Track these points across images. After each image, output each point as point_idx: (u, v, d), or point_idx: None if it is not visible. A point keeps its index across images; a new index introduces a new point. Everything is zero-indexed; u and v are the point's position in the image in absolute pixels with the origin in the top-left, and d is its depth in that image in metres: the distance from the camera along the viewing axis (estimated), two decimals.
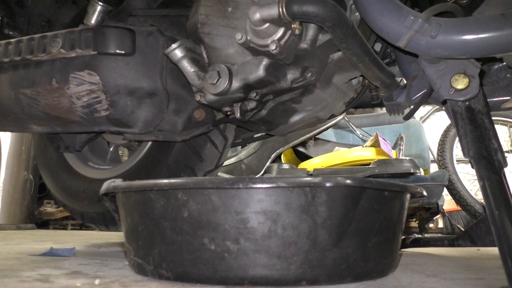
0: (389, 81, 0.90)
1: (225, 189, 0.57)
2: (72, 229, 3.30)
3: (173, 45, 0.83)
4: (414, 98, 0.80)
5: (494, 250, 0.62)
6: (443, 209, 3.01)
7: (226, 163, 2.18)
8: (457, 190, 2.59)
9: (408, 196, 0.71)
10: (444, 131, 2.83)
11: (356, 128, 2.68)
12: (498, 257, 0.59)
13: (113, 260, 0.90)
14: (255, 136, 1.29)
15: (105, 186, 0.70)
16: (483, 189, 0.63)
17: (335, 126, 2.55)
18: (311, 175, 1.87)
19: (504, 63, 0.81)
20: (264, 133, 1.17)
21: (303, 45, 0.79)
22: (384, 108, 1.21)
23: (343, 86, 0.96)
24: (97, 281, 0.62)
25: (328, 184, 0.57)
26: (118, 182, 0.68)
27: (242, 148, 2.26)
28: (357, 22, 0.82)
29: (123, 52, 0.88)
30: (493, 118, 0.70)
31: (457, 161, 2.73)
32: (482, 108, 0.69)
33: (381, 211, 0.63)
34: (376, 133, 2.23)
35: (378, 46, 0.95)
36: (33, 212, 2.91)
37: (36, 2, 1.24)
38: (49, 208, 3.30)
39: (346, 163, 2.10)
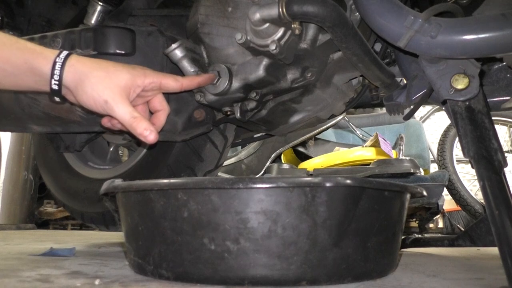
0: (389, 81, 0.89)
1: (225, 189, 0.57)
2: (72, 229, 3.30)
3: (173, 45, 0.83)
4: (414, 98, 0.80)
5: (494, 250, 0.62)
6: (443, 209, 3.02)
7: (226, 163, 2.18)
8: (457, 190, 2.59)
9: (408, 196, 0.71)
10: (444, 131, 2.83)
11: (356, 128, 2.68)
12: (498, 257, 0.59)
13: (113, 260, 0.90)
14: (255, 136, 1.29)
15: (105, 186, 0.70)
16: (483, 189, 0.63)
17: (335, 126, 2.55)
18: (311, 175, 1.87)
19: (504, 63, 0.81)
20: (264, 133, 1.17)
21: (303, 45, 0.79)
22: (384, 108, 1.21)
23: (343, 86, 0.96)
24: (97, 281, 0.62)
25: (328, 184, 0.57)
26: (118, 182, 0.68)
27: (242, 148, 2.26)
28: (357, 22, 0.82)
29: (123, 52, 0.88)
30: (493, 118, 0.70)
31: (457, 161, 2.73)
32: (482, 108, 0.69)
33: (381, 211, 0.63)
34: (376, 133, 2.23)
35: (378, 46, 0.95)
36: (33, 212, 2.91)
37: (36, 2, 1.24)
38: (49, 208, 3.30)
39: (346, 163, 2.10)
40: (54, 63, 0.68)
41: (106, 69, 0.71)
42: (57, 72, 0.67)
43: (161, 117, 0.79)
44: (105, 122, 0.79)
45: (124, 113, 0.70)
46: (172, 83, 0.77)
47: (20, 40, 0.69)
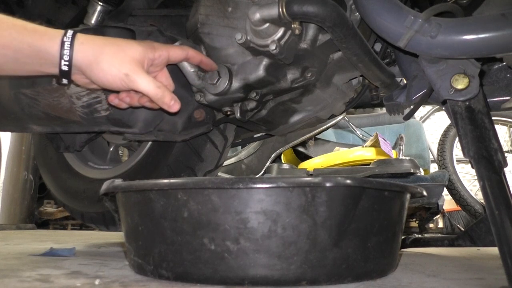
0: (389, 81, 0.89)
1: (225, 189, 0.57)
2: (72, 229, 3.30)
3: None
4: (414, 98, 0.80)
5: (494, 250, 0.62)
6: (443, 209, 3.02)
7: (226, 163, 2.18)
8: (457, 190, 2.59)
9: (408, 196, 0.71)
10: (444, 131, 2.83)
11: (356, 128, 2.68)
12: (498, 257, 0.59)
13: (113, 260, 0.90)
14: (255, 136, 1.29)
15: (105, 186, 0.70)
16: (483, 189, 0.63)
17: (335, 126, 2.55)
18: (311, 175, 1.87)
19: (504, 63, 0.81)
20: (264, 133, 1.17)
21: (303, 45, 0.79)
22: (384, 108, 1.20)
23: (343, 86, 0.96)
24: (97, 281, 0.62)
25: (328, 184, 0.57)
26: (118, 182, 0.68)
27: (242, 148, 2.26)
28: (357, 22, 0.82)
29: None
30: (493, 118, 0.70)
31: (457, 161, 2.73)
32: (482, 108, 0.69)
33: (381, 211, 0.63)
34: (376, 133, 2.23)
35: (378, 46, 0.95)
36: (33, 212, 2.91)
37: (36, 2, 1.24)
38: (49, 208, 3.30)
39: (346, 163, 2.10)
40: (62, 43, 0.65)
41: (117, 43, 0.69)
42: (66, 52, 0.65)
43: None
44: (112, 99, 0.77)
45: (148, 84, 0.69)
46: (179, 51, 0.78)
47: (16, 21, 0.65)
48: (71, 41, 0.66)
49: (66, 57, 0.66)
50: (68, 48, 0.65)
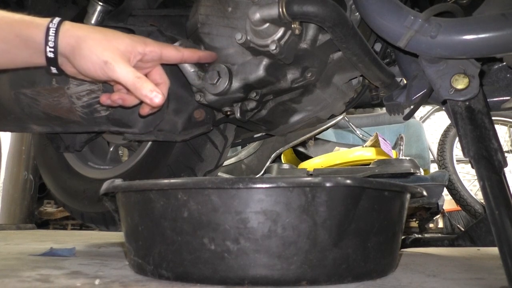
0: (389, 81, 0.89)
1: (225, 189, 0.57)
2: (72, 229, 3.30)
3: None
4: (414, 98, 0.80)
5: (494, 250, 0.62)
6: (443, 209, 3.02)
7: (226, 163, 2.18)
8: (457, 190, 2.60)
9: (408, 196, 0.71)
10: (444, 131, 2.83)
11: (356, 128, 2.68)
12: (498, 257, 0.59)
13: (113, 260, 0.90)
14: (255, 136, 1.29)
15: (105, 186, 0.70)
16: (483, 189, 0.63)
17: (335, 126, 2.55)
18: (311, 175, 1.87)
19: (504, 63, 0.81)
20: (264, 133, 1.17)
21: (303, 45, 0.79)
22: (384, 108, 1.20)
23: (343, 86, 0.96)
24: (97, 281, 0.62)
25: (328, 184, 0.57)
26: (118, 182, 0.68)
27: (242, 148, 2.26)
28: (357, 22, 0.82)
29: None
30: (493, 118, 0.70)
31: (457, 161, 2.73)
32: (482, 108, 0.69)
33: (381, 211, 0.63)
34: (376, 133, 2.23)
35: (378, 46, 0.95)
36: (33, 212, 2.91)
37: (36, 2, 1.24)
38: (49, 208, 3.31)
39: (346, 163, 2.10)
40: (48, 29, 0.64)
41: (104, 33, 0.67)
42: (51, 38, 0.64)
43: (163, 90, 0.75)
44: (104, 100, 0.76)
45: (127, 73, 0.66)
46: (173, 52, 0.75)
47: (4, 13, 0.65)
48: (57, 27, 0.64)
49: (51, 43, 0.64)
50: (53, 35, 0.64)
